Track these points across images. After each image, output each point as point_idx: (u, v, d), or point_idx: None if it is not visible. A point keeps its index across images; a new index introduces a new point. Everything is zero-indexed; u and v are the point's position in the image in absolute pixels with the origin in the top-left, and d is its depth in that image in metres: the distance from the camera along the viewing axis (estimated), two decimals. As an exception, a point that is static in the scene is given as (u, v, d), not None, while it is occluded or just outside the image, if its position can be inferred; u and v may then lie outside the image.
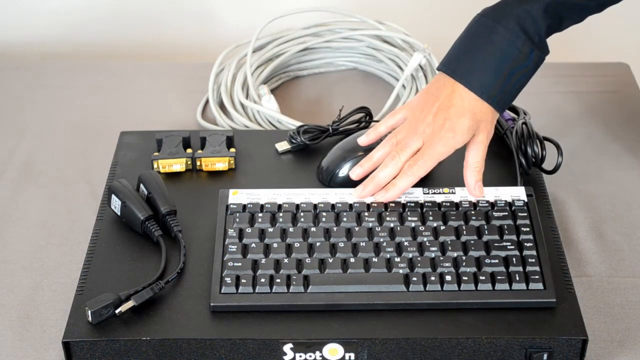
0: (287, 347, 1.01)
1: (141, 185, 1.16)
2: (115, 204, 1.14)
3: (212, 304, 1.03)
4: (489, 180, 1.21)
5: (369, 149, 1.19)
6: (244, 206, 1.14)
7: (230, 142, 1.27)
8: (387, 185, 1.13)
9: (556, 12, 1.11)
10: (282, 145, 1.28)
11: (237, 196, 1.15)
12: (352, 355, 1.01)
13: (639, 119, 1.41)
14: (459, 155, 1.27)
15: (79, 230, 1.21)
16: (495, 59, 1.09)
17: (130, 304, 1.02)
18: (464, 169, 1.14)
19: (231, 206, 1.14)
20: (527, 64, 1.10)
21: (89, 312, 1.01)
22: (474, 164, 1.14)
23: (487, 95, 1.10)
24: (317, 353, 1.01)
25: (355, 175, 1.16)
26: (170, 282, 1.06)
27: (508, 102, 1.12)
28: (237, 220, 1.12)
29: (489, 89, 1.10)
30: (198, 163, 1.24)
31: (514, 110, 1.30)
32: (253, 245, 1.09)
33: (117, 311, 1.02)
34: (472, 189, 1.14)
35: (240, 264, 1.06)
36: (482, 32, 1.10)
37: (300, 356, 1.01)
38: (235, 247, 1.08)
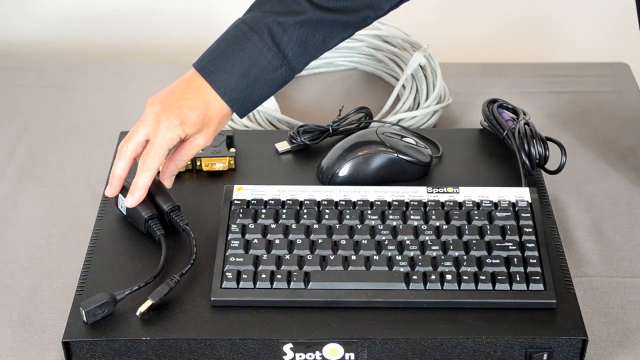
0: (287, 347, 1.01)
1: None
2: (122, 203, 1.14)
3: (212, 299, 1.04)
4: (492, 180, 1.22)
5: (369, 149, 1.20)
6: (248, 202, 1.14)
7: (230, 142, 1.27)
8: (131, 188, 1.10)
9: (315, 29, 1.12)
10: (282, 145, 1.28)
11: (242, 192, 1.16)
12: (352, 355, 1.01)
13: (639, 119, 1.41)
14: (462, 155, 1.27)
15: (79, 230, 1.21)
16: (243, 64, 1.10)
17: (148, 302, 1.02)
18: (168, 159, 1.12)
19: (235, 202, 1.14)
20: (273, 76, 1.11)
21: (83, 312, 1.01)
22: (180, 161, 1.13)
23: (229, 97, 1.10)
24: (317, 353, 1.01)
25: (109, 194, 1.12)
26: (184, 275, 1.06)
27: (249, 108, 1.13)
28: (241, 215, 1.12)
29: (231, 91, 1.10)
30: (198, 163, 1.24)
31: (514, 110, 1.30)
32: (255, 241, 1.09)
33: (137, 313, 1.02)
34: (165, 178, 1.14)
35: (242, 259, 1.07)
36: (238, 37, 1.10)
37: (300, 356, 1.01)
38: (238, 242, 1.09)
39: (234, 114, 1.13)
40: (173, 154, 1.12)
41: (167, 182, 1.14)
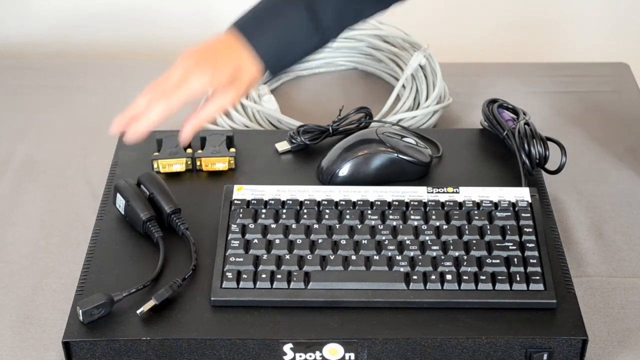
0: (287, 347, 1.01)
1: (141, 187, 1.16)
2: (120, 202, 1.14)
3: (212, 299, 1.04)
4: (492, 180, 1.22)
5: (369, 149, 1.20)
6: (248, 202, 1.14)
7: (230, 142, 1.27)
8: (138, 116, 1.08)
9: (351, 0, 1.11)
10: (282, 145, 1.28)
11: (242, 192, 1.16)
12: (352, 355, 1.01)
13: (639, 119, 1.41)
14: (462, 155, 1.27)
15: (79, 230, 1.21)
16: (280, 29, 1.10)
17: (151, 303, 1.03)
18: (194, 112, 1.10)
19: (235, 202, 1.14)
20: (307, 43, 1.11)
21: (80, 311, 1.01)
22: (205, 116, 1.10)
23: (262, 57, 1.09)
24: (317, 353, 1.01)
25: (112, 131, 1.10)
26: (186, 280, 1.06)
27: (279, 69, 1.12)
28: (241, 215, 1.12)
29: (266, 52, 1.09)
30: (198, 163, 1.24)
31: (514, 110, 1.30)
32: (255, 241, 1.09)
33: (138, 312, 1.02)
34: (186, 131, 1.10)
35: (242, 259, 1.07)
36: (277, 2, 1.11)
37: (300, 356, 1.01)
38: (238, 242, 1.09)
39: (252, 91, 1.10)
40: (199, 109, 1.11)
41: (186, 135, 1.11)
